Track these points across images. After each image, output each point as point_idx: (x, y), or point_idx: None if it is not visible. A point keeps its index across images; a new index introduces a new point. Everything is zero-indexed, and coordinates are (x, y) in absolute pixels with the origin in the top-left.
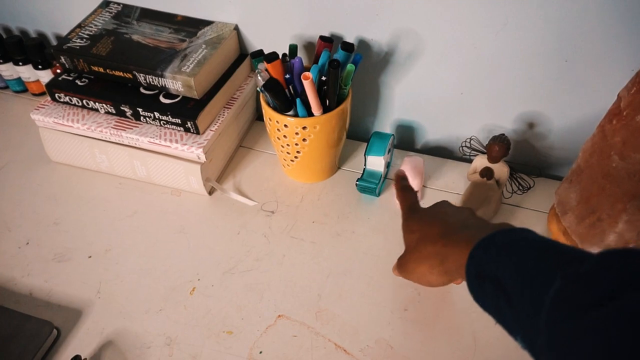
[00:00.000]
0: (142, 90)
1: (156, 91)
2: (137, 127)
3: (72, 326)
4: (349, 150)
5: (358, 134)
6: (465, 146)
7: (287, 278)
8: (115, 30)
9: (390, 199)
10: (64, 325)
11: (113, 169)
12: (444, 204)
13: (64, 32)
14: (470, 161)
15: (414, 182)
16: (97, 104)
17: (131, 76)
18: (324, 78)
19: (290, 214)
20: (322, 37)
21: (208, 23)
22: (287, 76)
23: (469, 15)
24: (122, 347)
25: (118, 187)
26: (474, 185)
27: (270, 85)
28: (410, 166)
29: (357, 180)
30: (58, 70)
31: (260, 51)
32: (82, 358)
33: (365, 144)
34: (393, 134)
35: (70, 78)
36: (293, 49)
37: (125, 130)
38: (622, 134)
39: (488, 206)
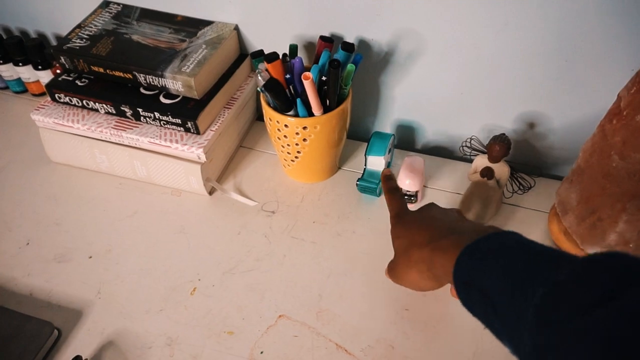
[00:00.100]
0: (142, 90)
1: (156, 91)
2: (137, 127)
3: (72, 326)
4: (349, 150)
5: (358, 134)
6: (466, 146)
7: (287, 278)
8: (115, 30)
9: None
10: (65, 326)
11: (113, 169)
12: (431, 207)
13: (63, 33)
14: (470, 161)
15: (415, 182)
16: (97, 104)
17: (131, 76)
18: (324, 78)
19: (291, 214)
20: (322, 37)
21: (208, 23)
22: (288, 76)
23: (469, 15)
24: (123, 347)
25: (118, 188)
26: (474, 185)
27: (271, 85)
28: (410, 166)
29: (357, 180)
30: (58, 71)
31: (261, 51)
32: (83, 358)
33: (366, 144)
34: (393, 134)
35: (70, 78)
36: (293, 49)
37: (125, 130)
38: (622, 134)
39: (489, 206)
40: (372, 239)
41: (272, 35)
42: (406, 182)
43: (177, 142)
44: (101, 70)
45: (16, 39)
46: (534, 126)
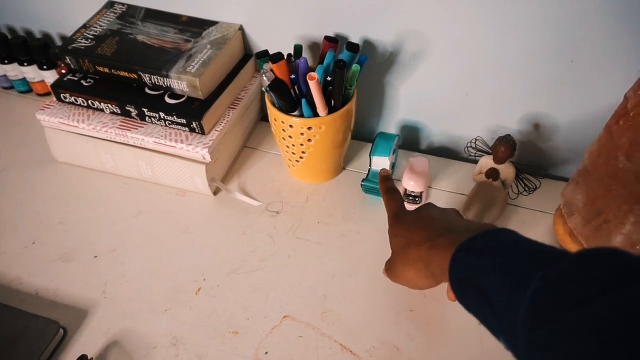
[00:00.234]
0: (147, 90)
1: (161, 92)
2: (143, 127)
3: (78, 326)
4: (354, 151)
5: (363, 134)
6: (471, 147)
7: (292, 279)
8: (120, 30)
9: None
10: (70, 325)
11: (118, 169)
12: (429, 207)
13: (68, 33)
14: (475, 162)
15: (420, 183)
16: (102, 104)
17: (136, 77)
18: (329, 79)
19: (296, 215)
20: (327, 38)
21: (213, 23)
22: (293, 77)
23: (473, 16)
24: (128, 347)
25: (123, 188)
26: (479, 186)
27: (276, 85)
28: (415, 167)
29: (362, 181)
30: (63, 71)
31: (266, 52)
32: (89, 358)
33: (371, 144)
34: (398, 135)
35: (76, 79)
36: (298, 49)
37: (130, 130)
38: (629, 135)
39: (494, 207)
40: (376, 240)
41: (276, 35)
42: (411, 183)
43: (182, 142)
44: (106, 70)
45: (21, 39)
46: (540, 127)
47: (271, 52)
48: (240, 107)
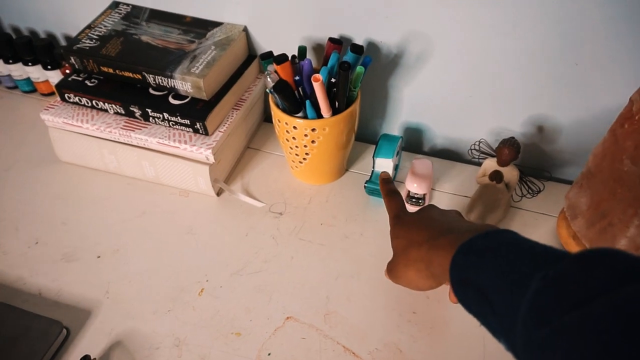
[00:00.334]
0: (151, 91)
1: (165, 92)
2: (146, 127)
3: (81, 326)
4: (357, 153)
5: (366, 136)
6: (474, 149)
7: (295, 280)
8: (125, 31)
9: None
10: (73, 325)
11: (122, 170)
12: (430, 208)
13: (73, 33)
14: (479, 164)
15: (423, 185)
16: (106, 104)
17: (140, 77)
18: (333, 80)
19: (299, 216)
20: (331, 39)
21: (217, 24)
22: (297, 78)
23: (477, 18)
24: (131, 347)
25: (126, 188)
26: (483, 188)
27: (280, 86)
28: (418, 169)
29: (365, 183)
30: (67, 71)
31: (270, 53)
32: (92, 358)
33: (374, 146)
34: (401, 137)
35: (80, 78)
36: (302, 50)
37: (134, 130)
38: (634, 138)
39: (497, 209)
40: (379, 242)
41: (280, 36)
42: (414, 185)
43: (185, 142)
44: (110, 70)
45: (25, 39)
46: (543, 129)
47: (275, 53)
48: (244, 107)
